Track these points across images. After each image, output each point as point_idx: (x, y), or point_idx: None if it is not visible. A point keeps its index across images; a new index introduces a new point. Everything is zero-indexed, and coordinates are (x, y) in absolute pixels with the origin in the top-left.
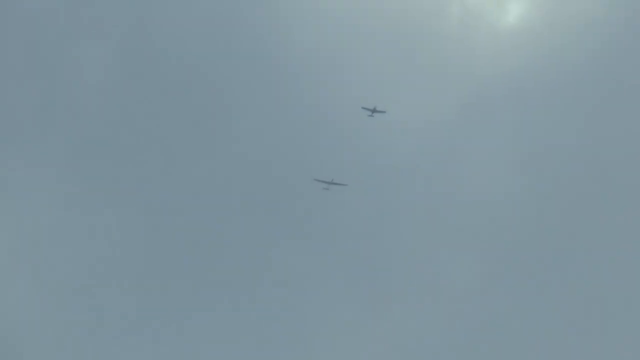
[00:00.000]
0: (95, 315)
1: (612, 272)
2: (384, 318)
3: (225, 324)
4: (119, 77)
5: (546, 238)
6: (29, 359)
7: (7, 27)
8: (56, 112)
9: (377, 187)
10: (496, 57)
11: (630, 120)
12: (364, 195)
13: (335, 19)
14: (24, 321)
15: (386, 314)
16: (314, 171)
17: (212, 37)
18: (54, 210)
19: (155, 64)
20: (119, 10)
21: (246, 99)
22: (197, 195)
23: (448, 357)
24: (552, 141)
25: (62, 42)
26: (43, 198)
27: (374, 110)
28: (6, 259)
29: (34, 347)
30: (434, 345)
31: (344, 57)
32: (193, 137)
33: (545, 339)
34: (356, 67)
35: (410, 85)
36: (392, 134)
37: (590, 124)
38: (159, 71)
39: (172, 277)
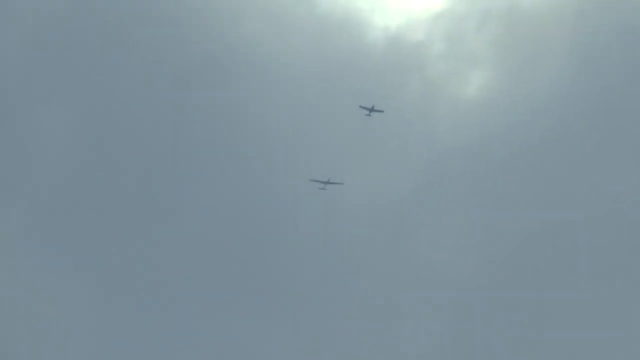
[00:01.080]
0: None
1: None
2: None
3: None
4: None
5: (501, 319)
6: None
7: None
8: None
9: (332, 260)
10: (457, 130)
11: (592, 194)
12: (318, 269)
13: (296, 89)
14: None
15: None
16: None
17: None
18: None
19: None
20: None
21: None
22: None
23: None
24: (512, 216)
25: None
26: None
27: (371, 110)
28: None
29: None
30: None
31: (301, 128)
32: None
33: None
34: (313, 139)
35: (369, 157)
36: (348, 207)
37: (552, 198)
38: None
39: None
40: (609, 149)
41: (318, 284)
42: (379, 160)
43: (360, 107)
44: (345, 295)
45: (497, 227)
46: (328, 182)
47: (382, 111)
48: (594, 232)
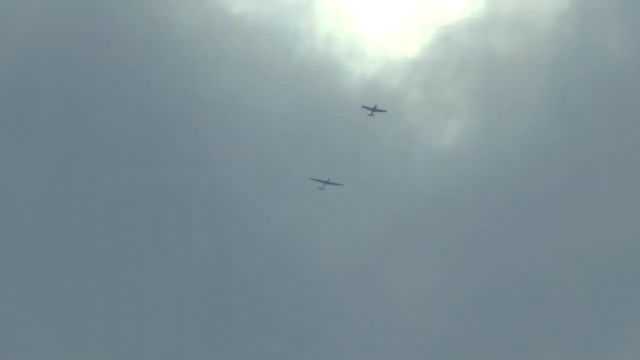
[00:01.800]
0: None
1: None
2: None
3: None
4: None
5: None
6: None
7: None
8: None
9: (301, 306)
10: (432, 179)
11: (567, 244)
12: (290, 319)
13: (270, 136)
14: None
15: None
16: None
17: None
18: None
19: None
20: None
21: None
22: None
23: None
24: (487, 267)
25: None
26: None
27: (374, 109)
28: None
29: None
30: None
31: (279, 173)
32: None
33: None
34: (289, 187)
35: (343, 204)
36: (321, 255)
37: (527, 248)
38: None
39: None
40: (585, 199)
41: (290, 335)
42: (353, 207)
43: (363, 107)
44: (317, 345)
45: (473, 277)
46: (328, 182)
47: (385, 111)
48: (568, 283)
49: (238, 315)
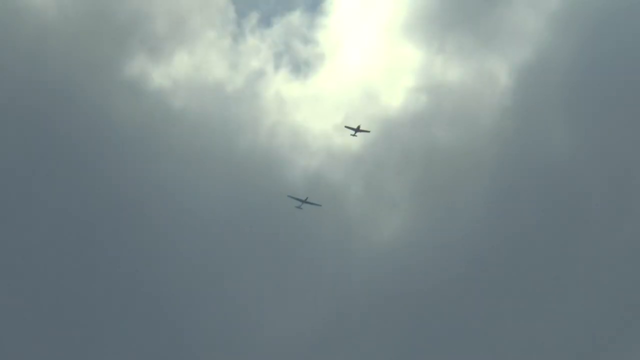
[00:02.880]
0: None
1: None
2: None
3: None
4: None
5: None
6: None
7: None
8: None
9: None
10: (370, 272)
11: (506, 342)
12: None
13: (213, 230)
14: None
15: None
16: None
17: None
18: None
19: None
20: None
21: None
22: None
23: None
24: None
25: None
26: None
27: (357, 130)
28: None
29: None
30: None
31: (222, 268)
32: None
33: None
34: (230, 279)
35: (283, 295)
36: (261, 345)
37: (466, 346)
38: None
39: None
40: (524, 295)
41: None
42: (292, 298)
43: (346, 127)
44: None
45: None
46: (306, 202)
47: (369, 131)
48: None
49: None
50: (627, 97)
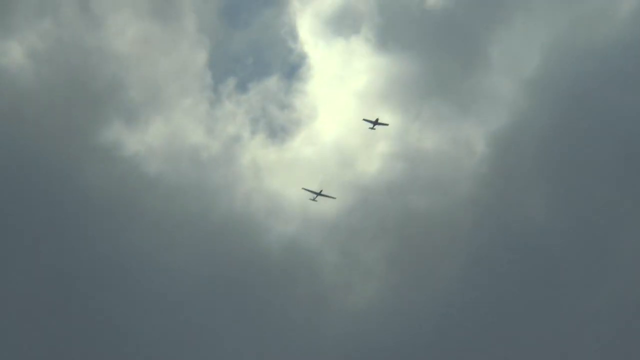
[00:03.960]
0: None
1: None
2: None
3: None
4: None
5: None
6: None
7: None
8: None
9: None
10: (343, 341)
11: None
12: None
13: (187, 294)
14: None
15: None
16: None
17: None
18: None
19: None
20: None
21: None
22: None
23: None
24: None
25: None
26: None
27: (375, 123)
28: None
29: None
30: None
31: (193, 332)
32: None
33: None
34: (203, 341)
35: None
36: None
37: None
38: None
39: None
40: None
41: None
42: None
43: (364, 120)
44: None
45: None
46: (320, 194)
47: (387, 124)
48: None
49: None
50: (603, 164)
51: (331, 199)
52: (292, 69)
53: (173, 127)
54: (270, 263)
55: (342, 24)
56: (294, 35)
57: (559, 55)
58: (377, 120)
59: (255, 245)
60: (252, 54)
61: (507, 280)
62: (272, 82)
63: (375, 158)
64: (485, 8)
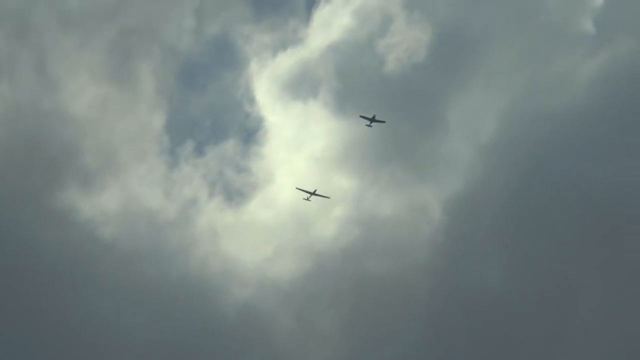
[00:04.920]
0: None
1: None
2: None
3: None
4: None
5: None
6: None
7: None
8: None
9: None
10: None
11: None
12: None
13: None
14: None
15: None
16: None
17: None
18: None
19: None
20: None
21: None
22: None
23: None
24: None
25: None
26: None
27: (372, 119)
28: None
29: None
30: None
31: None
32: None
33: None
34: None
35: None
36: None
37: None
38: None
39: None
40: None
41: None
42: None
43: (361, 116)
44: None
45: None
46: (314, 194)
47: (384, 122)
48: None
49: None
50: (558, 230)
51: (325, 198)
52: (249, 132)
53: (129, 190)
54: (226, 327)
55: (299, 87)
56: (251, 98)
57: (515, 121)
58: (374, 116)
59: (211, 309)
60: (210, 117)
61: (462, 346)
62: (229, 146)
63: (331, 223)
64: (444, 73)
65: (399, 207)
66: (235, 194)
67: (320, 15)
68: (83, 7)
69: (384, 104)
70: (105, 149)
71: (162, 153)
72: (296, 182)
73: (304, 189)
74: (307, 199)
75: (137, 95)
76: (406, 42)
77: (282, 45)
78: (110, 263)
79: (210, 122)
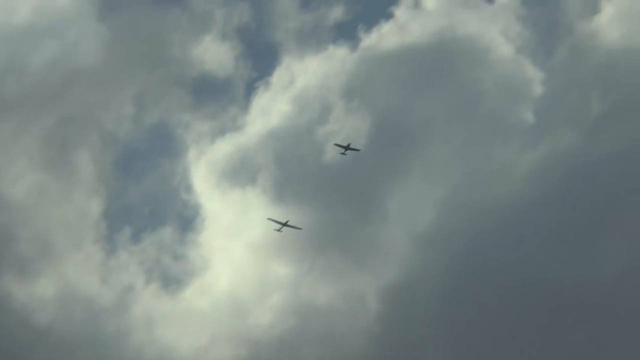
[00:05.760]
0: None
1: None
2: None
3: None
4: None
5: None
6: None
7: None
8: None
9: None
10: None
11: None
12: None
13: None
14: None
15: None
16: None
17: None
18: None
19: None
20: None
21: None
22: None
23: None
24: None
25: None
26: None
27: (347, 148)
28: None
29: None
30: None
31: None
32: None
33: None
34: None
35: None
36: None
37: None
38: None
39: None
40: None
41: None
42: None
43: (335, 144)
44: None
45: None
46: (286, 225)
47: (359, 150)
48: None
49: None
50: (496, 321)
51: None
52: (187, 219)
53: (66, 277)
54: None
55: (238, 174)
56: (188, 186)
57: (453, 211)
58: (348, 145)
59: None
60: (148, 204)
61: None
62: (167, 233)
63: (267, 310)
64: (383, 162)
65: (336, 295)
66: (171, 281)
67: (259, 102)
68: (22, 94)
69: (322, 191)
70: (42, 236)
71: (100, 240)
72: (233, 269)
73: (275, 219)
74: (279, 230)
75: (75, 182)
76: (345, 131)
77: (221, 132)
78: (45, 350)
79: (149, 209)
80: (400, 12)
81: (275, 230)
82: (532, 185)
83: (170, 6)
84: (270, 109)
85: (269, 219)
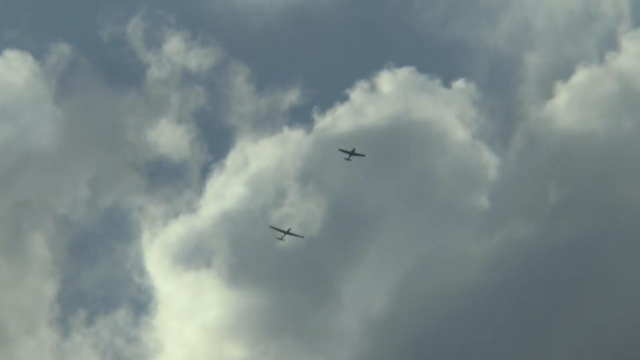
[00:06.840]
0: None
1: None
2: None
3: None
4: None
5: None
6: None
7: None
8: None
9: None
10: None
11: None
12: None
13: None
14: None
15: None
16: None
17: None
18: None
19: None
20: None
21: None
22: None
23: None
24: None
25: None
26: None
27: (352, 153)
28: None
29: None
30: None
31: None
32: None
33: None
34: None
35: None
36: None
37: None
38: None
39: None
40: None
41: None
42: None
43: (340, 150)
44: None
45: None
46: (288, 233)
47: (363, 155)
48: None
49: None
50: None
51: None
52: (140, 302)
53: None
54: None
55: (192, 257)
56: (141, 269)
57: (407, 297)
58: (353, 150)
59: None
60: (101, 287)
61: None
62: (120, 316)
63: None
64: (337, 246)
65: None
66: None
67: (213, 185)
68: None
69: (277, 275)
70: None
71: (54, 322)
72: (187, 352)
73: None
74: (281, 239)
75: (28, 266)
76: (300, 215)
77: (175, 215)
78: None
79: (103, 292)
80: (356, 95)
81: (278, 238)
82: (486, 273)
83: (126, 89)
84: (225, 192)
85: (270, 226)
